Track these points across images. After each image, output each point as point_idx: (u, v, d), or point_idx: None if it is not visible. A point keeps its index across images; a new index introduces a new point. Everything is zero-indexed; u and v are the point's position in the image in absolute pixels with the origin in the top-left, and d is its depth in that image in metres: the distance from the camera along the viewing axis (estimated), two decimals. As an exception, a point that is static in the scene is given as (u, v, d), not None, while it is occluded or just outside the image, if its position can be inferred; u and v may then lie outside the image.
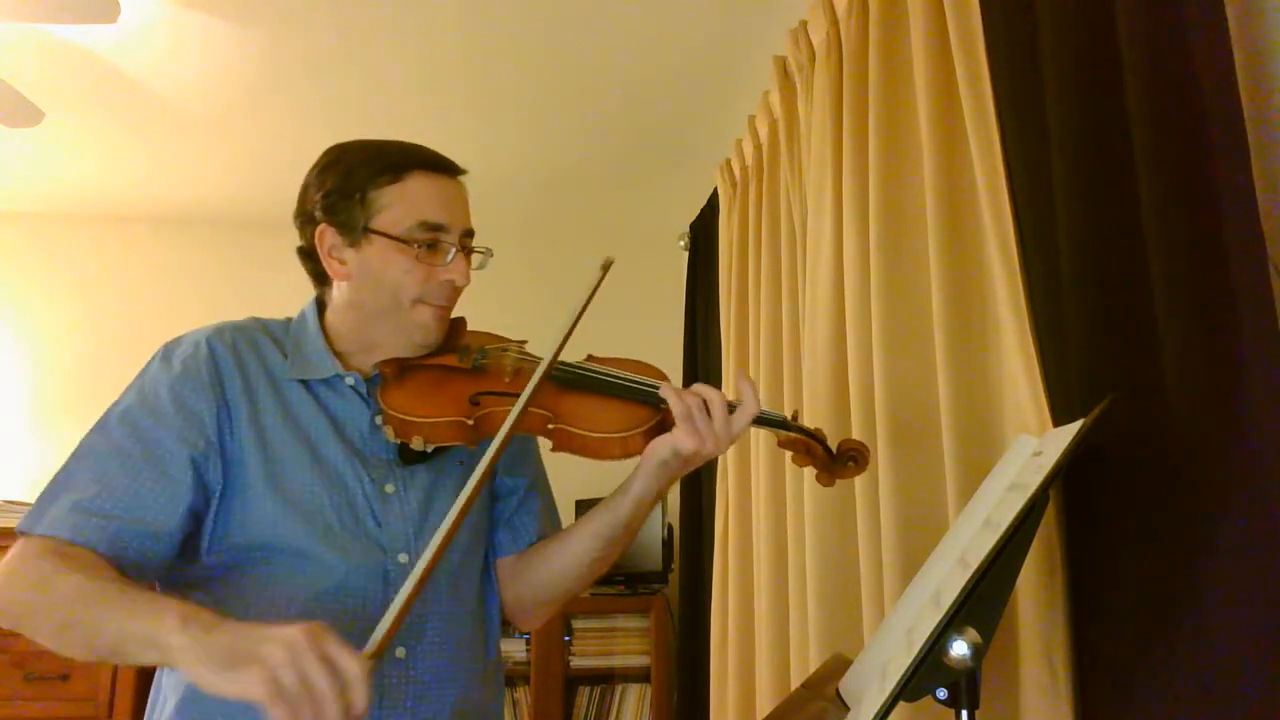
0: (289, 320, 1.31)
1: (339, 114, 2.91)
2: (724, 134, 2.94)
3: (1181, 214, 1.04)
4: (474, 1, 2.39)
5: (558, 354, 1.20)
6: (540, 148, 3.21)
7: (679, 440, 1.16)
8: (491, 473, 1.33)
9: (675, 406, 1.17)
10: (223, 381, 1.19)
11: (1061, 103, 1.27)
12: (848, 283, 1.85)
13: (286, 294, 1.41)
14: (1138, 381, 1.10)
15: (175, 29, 2.49)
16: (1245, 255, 0.95)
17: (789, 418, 1.28)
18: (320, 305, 1.30)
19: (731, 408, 1.19)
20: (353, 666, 0.87)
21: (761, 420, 1.23)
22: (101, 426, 1.16)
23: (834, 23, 2.07)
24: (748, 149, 2.79)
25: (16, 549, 1.08)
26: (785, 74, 2.41)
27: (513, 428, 1.13)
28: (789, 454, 1.31)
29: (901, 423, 1.63)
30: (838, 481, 1.32)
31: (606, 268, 1.28)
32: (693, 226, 3.58)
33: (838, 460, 1.29)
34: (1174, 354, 1.05)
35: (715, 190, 3.21)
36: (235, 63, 2.67)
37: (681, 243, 3.63)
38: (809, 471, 1.32)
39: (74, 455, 1.15)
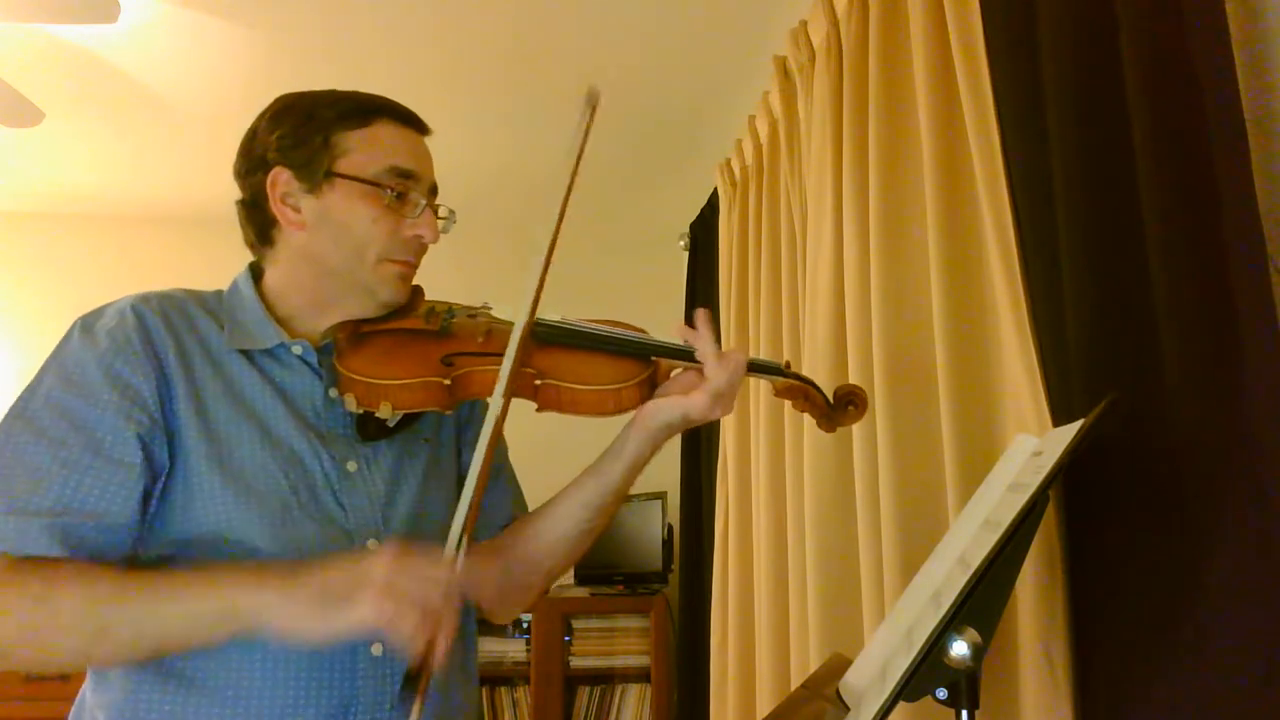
0: (219, 292, 1.18)
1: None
2: (724, 134, 2.94)
3: (1181, 214, 1.04)
4: (471, 2, 2.39)
5: (539, 293, 1.12)
6: (540, 147, 3.19)
7: (691, 405, 1.08)
8: (465, 452, 1.26)
9: (714, 375, 1.09)
10: (156, 350, 1.05)
11: (1061, 103, 1.27)
12: (847, 282, 1.85)
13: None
14: (1138, 381, 1.10)
15: (175, 29, 2.49)
16: (1245, 255, 0.95)
17: (782, 365, 1.24)
18: (256, 273, 1.18)
19: None
20: (445, 572, 0.91)
21: (757, 367, 1.19)
22: (20, 416, 1.01)
23: (834, 23, 2.07)
24: (748, 149, 2.79)
25: None
26: (785, 74, 2.41)
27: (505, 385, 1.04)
28: (788, 402, 1.26)
29: (902, 423, 1.63)
30: (838, 429, 1.28)
31: (593, 102, 1.13)
32: (693, 226, 3.58)
33: (836, 408, 1.24)
34: (1174, 354, 1.05)
35: (715, 190, 3.21)
36: (235, 63, 2.66)
37: (681, 242, 3.63)
38: (809, 468, 1.32)
39: None
